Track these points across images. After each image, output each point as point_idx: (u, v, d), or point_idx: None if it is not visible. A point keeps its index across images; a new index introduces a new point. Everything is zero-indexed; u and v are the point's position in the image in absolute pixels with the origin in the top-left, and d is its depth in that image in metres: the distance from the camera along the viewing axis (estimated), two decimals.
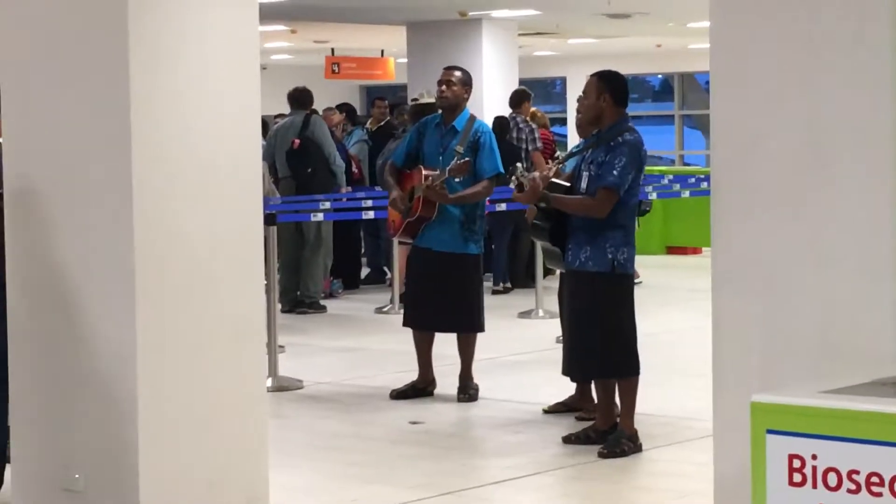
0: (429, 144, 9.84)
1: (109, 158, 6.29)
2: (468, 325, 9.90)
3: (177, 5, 6.35)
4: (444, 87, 9.92)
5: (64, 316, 6.47)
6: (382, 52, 26.48)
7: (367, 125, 18.35)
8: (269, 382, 9.20)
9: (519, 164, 8.98)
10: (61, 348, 6.47)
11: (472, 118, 9.94)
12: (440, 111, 10.05)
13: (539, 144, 16.02)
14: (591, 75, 8.56)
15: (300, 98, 15.14)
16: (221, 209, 6.52)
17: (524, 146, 16.02)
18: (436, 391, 10.07)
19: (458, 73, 10.03)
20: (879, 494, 3.40)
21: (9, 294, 6.67)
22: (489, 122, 13.46)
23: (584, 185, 8.29)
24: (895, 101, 3.99)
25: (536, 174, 8.82)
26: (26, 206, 6.59)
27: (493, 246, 15.85)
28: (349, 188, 15.83)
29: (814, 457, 3.48)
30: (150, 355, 6.28)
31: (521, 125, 16.45)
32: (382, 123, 17.37)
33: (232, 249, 6.58)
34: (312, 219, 14.01)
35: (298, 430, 9.18)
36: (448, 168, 9.43)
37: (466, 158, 9.50)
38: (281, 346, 11.15)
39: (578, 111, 9.06)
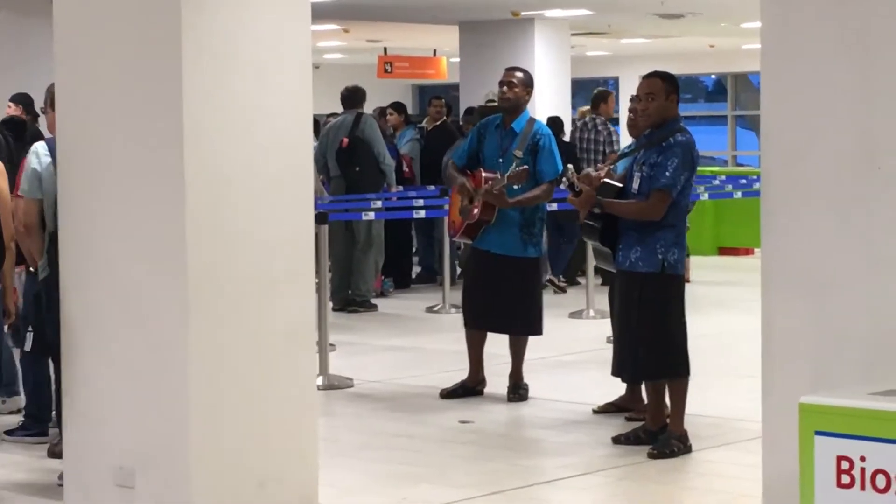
0: (489, 146, 9.81)
1: (161, 160, 6.33)
2: (524, 328, 9.89)
3: (228, 5, 6.38)
4: (505, 88, 9.89)
5: (118, 317, 6.51)
6: (435, 51, 26.52)
7: (423, 124, 18.32)
8: (319, 381, 9.25)
9: (570, 166, 8.97)
10: (115, 348, 6.52)
11: (532, 120, 9.91)
12: (502, 111, 10.02)
13: (618, 147, 15.90)
14: (651, 76, 8.48)
15: (352, 97, 15.17)
16: (272, 209, 6.55)
17: (602, 148, 16.00)
18: (486, 391, 10.07)
19: (519, 74, 9.99)
20: None
21: (63, 295, 6.73)
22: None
23: (636, 186, 8.27)
24: None
25: (591, 171, 8.80)
26: (80, 208, 6.65)
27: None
28: (400, 187, 15.85)
29: (862, 458, 3.48)
30: (202, 355, 6.32)
31: (599, 127, 16.44)
32: (438, 123, 17.36)
33: (283, 249, 6.60)
34: (364, 218, 14.05)
35: (348, 429, 9.21)
36: (507, 174, 9.40)
37: (525, 166, 9.46)
38: (332, 345, 11.18)
39: (632, 111, 9.03)
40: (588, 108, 17.39)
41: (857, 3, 4.16)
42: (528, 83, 9.96)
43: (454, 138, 16.21)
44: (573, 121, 17.18)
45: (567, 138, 17.11)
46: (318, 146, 14.19)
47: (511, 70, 10.10)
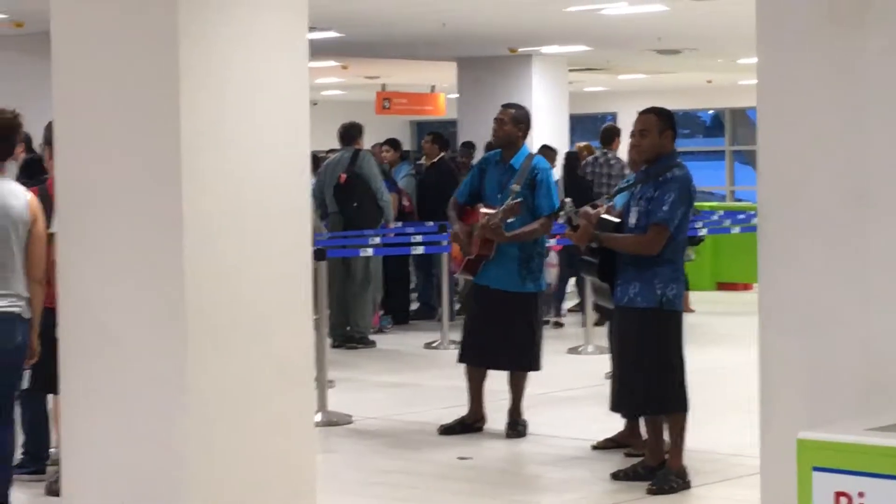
0: (489, 182, 9.84)
1: (159, 196, 6.34)
2: (523, 363, 9.89)
3: (225, 42, 6.40)
4: (495, 126, 9.94)
5: (116, 354, 6.51)
6: (433, 87, 26.59)
7: (422, 160, 18.34)
8: (318, 417, 9.23)
9: (568, 200, 8.98)
10: (113, 386, 6.52)
11: (531, 156, 9.92)
12: (498, 147, 10.05)
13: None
14: (647, 112, 8.50)
15: (348, 133, 15.19)
16: (270, 245, 6.55)
17: (614, 182, 16.04)
18: (485, 426, 10.08)
19: (511, 111, 10.00)
20: None
21: (61, 327, 6.73)
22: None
23: (633, 220, 8.28)
24: None
25: (588, 207, 8.80)
26: (78, 240, 6.66)
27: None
28: (399, 223, 15.88)
29: (860, 494, 3.47)
30: (200, 392, 6.32)
31: (612, 161, 16.46)
32: (436, 160, 17.39)
33: (281, 285, 6.61)
34: (362, 254, 14.06)
35: (347, 465, 9.20)
36: (501, 209, 9.44)
37: (518, 199, 9.48)
38: (330, 381, 11.17)
39: (632, 146, 9.04)
40: (585, 143, 17.43)
41: (852, 40, 4.18)
42: (520, 119, 9.95)
43: (451, 174, 16.22)
44: (578, 155, 17.13)
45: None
46: (316, 182, 14.19)
47: (504, 107, 10.14)
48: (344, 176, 14.69)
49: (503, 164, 9.82)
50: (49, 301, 7.27)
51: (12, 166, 7.89)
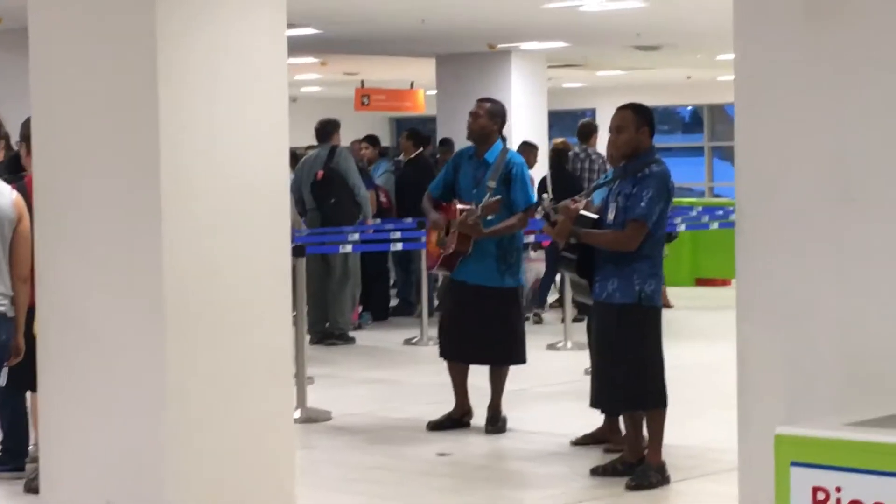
0: (463, 177, 9.83)
1: (138, 191, 6.35)
2: (504, 358, 9.90)
3: (203, 39, 6.40)
4: (470, 119, 9.94)
5: (94, 352, 6.51)
6: (412, 84, 26.57)
7: (400, 157, 18.34)
8: (297, 414, 9.23)
9: (545, 195, 9.01)
10: (91, 382, 6.52)
11: (505, 150, 9.90)
12: (472, 142, 10.05)
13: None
14: (623, 108, 8.52)
15: (324, 130, 15.17)
16: (250, 242, 6.56)
17: (597, 177, 16.04)
18: (470, 422, 10.09)
19: (487, 105, 10.00)
20: None
21: (40, 325, 6.73)
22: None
23: (611, 216, 8.29)
24: None
25: (569, 203, 8.81)
26: (56, 237, 6.65)
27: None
28: (377, 220, 15.88)
29: (838, 489, 3.48)
30: (178, 389, 6.33)
31: (592, 157, 16.48)
32: (413, 156, 17.39)
33: (260, 281, 6.62)
34: (341, 250, 14.06)
35: (327, 462, 9.19)
36: (480, 206, 9.43)
37: (498, 196, 9.48)
38: (310, 378, 11.16)
39: (609, 143, 9.05)
40: (562, 139, 17.41)
41: (829, 35, 4.19)
42: (495, 113, 9.94)
43: (429, 170, 16.21)
44: (566, 151, 17.15)
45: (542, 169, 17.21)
46: (294, 179, 14.19)
47: (480, 101, 10.14)
48: (321, 172, 14.68)
49: (477, 158, 9.82)
50: (31, 298, 7.27)
51: None
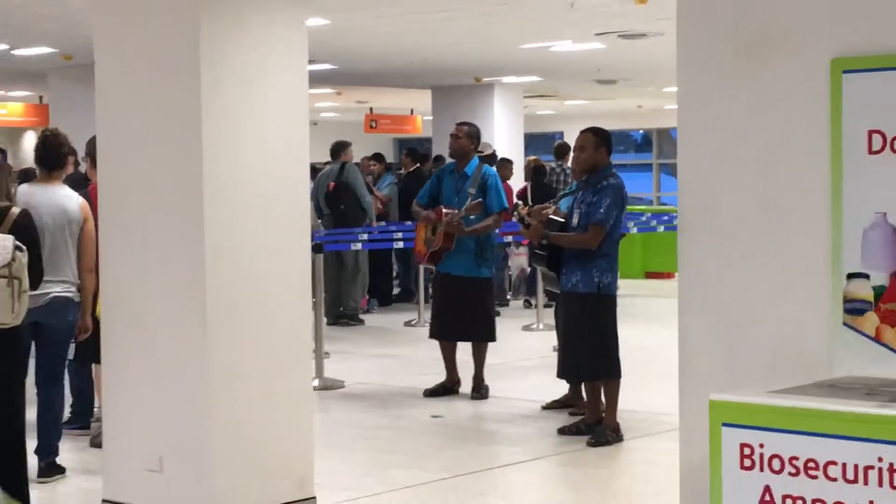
0: (446, 187, 9.90)
1: (185, 198, 6.33)
2: (481, 336, 9.93)
3: (239, 72, 6.38)
4: (451, 140, 10.02)
5: (149, 332, 6.50)
6: (412, 110, 26.53)
7: (401, 171, 18.38)
8: (315, 383, 9.23)
9: (519, 202, 9.04)
10: (145, 352, 6.51)
11: (481, 164, 10.02)
12: (453, 159, 10.11)
13: None
14: (585, 131, 8.55)
15: (337, 150, 15.38)
16: (276, 241, 6.55)
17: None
18: (459, 390, 10.11)
19: (464, 128, 10.08)
20: (815, 477, 3.41)
21: (103, 308, 6.72)
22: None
23: (576, 221, 8.32)
24: (827, 161, 4.00)
25: (540, 209, 8.84)
26: (116, 236, 6.64)
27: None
28: (382, 222, 16.03)
29: (761, 445, 3.48)
30: (218, 362, 6.32)
31: (567, 171, 16.47)
32: (412, 170, 17.43)
33: (284, 273, 6.61)
34: (352, 248, 14.13)
35: (339, 423, 9.20)
36: (465, 207, 9.49)
37: (479, 199, 9.55)
38: (326, 353, 11.17)
39: (573, 160, 9.07)
40: (535, 157, 17.41)
41: (754, 71, 4.18)
42: (472, 135, 10.05)
43: (424, 182, 16.27)
44: (543, 168, 17.09)
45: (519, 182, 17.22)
46: (312, 189, 14.24)
47: (458, 125, 10.26)
48: (332, 184, 14.87)
49: (458, 172, 9.89)
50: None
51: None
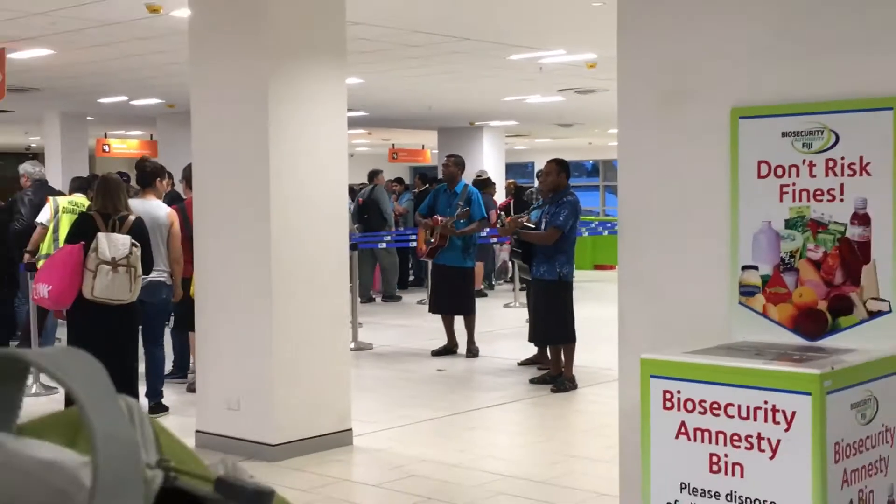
0: (440, 202, 10.07)
1: (256, 209, 6.35)
2: (467, 310, 9.99)
3: (297, 118, 6.40)
4: (444, 168, 10.25)
5: (230, 304, 6.51)
6: (423, 146, 26.58)
7: (415, 190, 18.47)
8: (351, 345, 9.22)
9: (502, 212, 9.13)
10: (227, 321, 6.52)
11: (466, 185, 10.28)
12: (445, 181, 10.36)
13: None
14: (550, 161, 8.60)
15: (371, 175, 15.65)
16: (323, 239, 6.57)
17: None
18: (457, 351, 10.13)
19: (452, 159, 10.45)
20: (717, 415, 3.41)
21: (198, 289, 6.74)
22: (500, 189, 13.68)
23: (542, 227, 8.34)
24: (727, 183, 4.00)
25: (516, 218, 8.95)
26: (207, 236, 6.64)
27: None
28: (401, 228, 16.16)
29: (678, 392, 3.49)
30: (281, 328, 6.33)
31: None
32: (423, 189, 17.47)
33: (330, 265, 6.62)
34: (379, 247, 14.18)
35: (369, 376, 9.20)
36: (457, 214, 9.68)
37: (466, 208, 9.75)
38: (360, 323, 11.18)
39: (541, 182, 9.11)
40: (512, 180, 17.50)
41: (673, 116, 4.19)
42: (458, 163, 10.39)
43: None
44: (519, 188, 17.06)
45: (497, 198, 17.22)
46: (351, 203, 14.38)
47: (448, 156, 10.59)
48: (361, 200, 15.19)
49: (449, 191, 10.04)
50: (187, 272, 7.31)
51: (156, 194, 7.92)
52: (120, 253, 6.19)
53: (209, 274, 6.64)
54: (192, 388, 7.68)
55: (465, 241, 9.89)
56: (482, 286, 15.93)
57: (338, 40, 6.60)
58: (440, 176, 10.59)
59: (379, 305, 14.76)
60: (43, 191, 9.55)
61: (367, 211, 15.11)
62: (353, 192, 14.62)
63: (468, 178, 13.56)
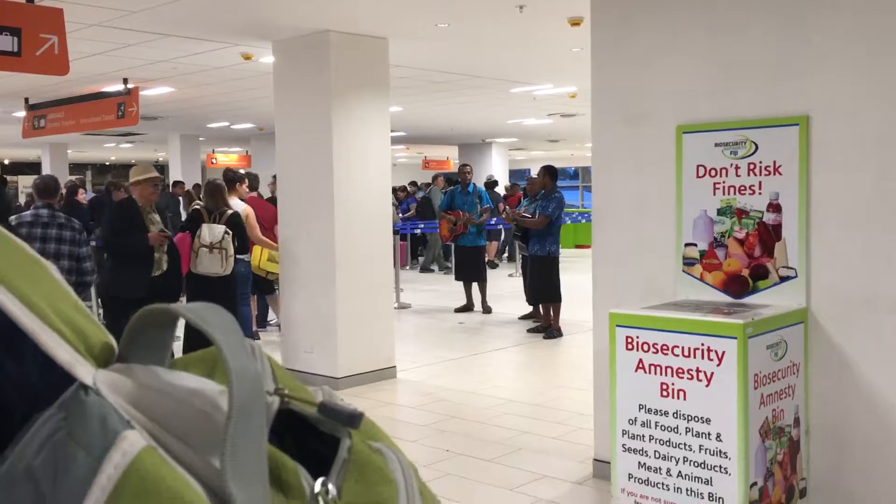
0: (458, 199, 10.02)
1: (324, 204, 6.35)
2: (480, 278, 9.95)
3: (353, 137, 6.39)
4: (462, 175, 10.24)
5: (305, 276, 6.52)
6: (448, 157, 26.51)
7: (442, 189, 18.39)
8: (395, 304, 9.23)
9: (507, 207, 9.06)
10: (305, 290, 6.52)
11: (475, 185, 10.20)
12: (459, 183, 10.25)
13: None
14: (541, 168, 8.55)
15: (434, 178, 15.83)
16: (373, 227, 6.56)
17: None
18: (474, 309, 10.11)
19: (467, 168, 10.40)
20: (666, 354, 3.40)
21: (281, 266, 6.73)
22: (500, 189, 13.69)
23: (536, 216, 8.30)
24: (674, 181, 3.97)
25: (518, 209, 8.90)
26: (289, 226, 6.65)
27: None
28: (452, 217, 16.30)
29: (637, 337, 3.48)
30: (342, 293, 6.31)
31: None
32: (450, 189, 17.35)
33: (379, 246, 6.61)
34: (412, 231, 14.08)
35: (408, 326, 9.21)
36: (480, 210, 9.66)
37: (488, 206, 9.79)
38: (401, 288, 11.17)
39: (530, 184, 9.05)
40: (514, 183, 17.43)
41: (635, 133, 4.17)
42: (470, 171, 10.34)
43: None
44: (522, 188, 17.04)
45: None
46: (408, 200, 14.59)
47: (464, 165, 10.56)
48: (419, 198, 15.37)
49: (463, 191, 9.99)
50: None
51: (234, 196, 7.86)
52: (216, 238, 6.20)
53: (291, 254, 6.65)
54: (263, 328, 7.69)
55: (478, 227, 9.89)
56: (494, 259, 15.91)
57: (383, 79, 6.57)
58: (459, 180, 10.53)
59: (422, 276, 14.71)
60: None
61: (426, 205, 15.10)
62: (394, 192, 14.50)
63: (478, 181, 13.96)
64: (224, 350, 0.37)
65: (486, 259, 10.76)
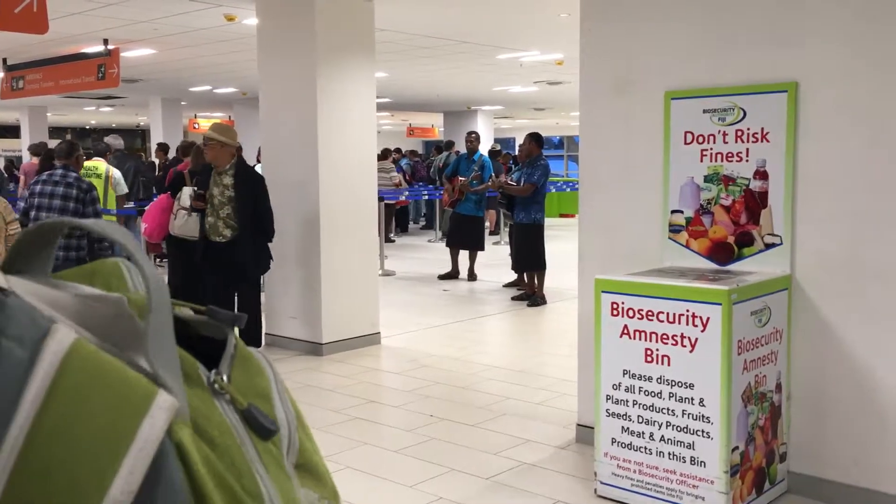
0: (462, 167, 9.93)
1: (308, 168, 6.30)
2: (475, 246, 9.91)
3: (339, 102, 6.33)
4: (468, 142, 10.10)
5: (289, 242, 6.48)
6: (433, 125, 26.37)
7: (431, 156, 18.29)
8: (379, 271, 9.22)
9: (493, 175, 9.01)
10: (289, 257, 6.48)
11: (482, 155, 10.06)
12: (467, 152, 10.12)
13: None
14: (528, 136, 8.51)
15: (447, 145, 15.49)
16: (357, 192, 6.52)
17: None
18: (459, 276, 10.11)
19: (474, 135, 10.19)
20: (651, 320, 3.42)
21: (278, 238, 6.70)
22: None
23: (521, 184, 8.28)
24: (661, 148, 3.97)
25: (504, 177, 8.86)
26: (278, 194, 6.60)
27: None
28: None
29: (623, 303, 3.49)
30: (327, 260, 6.28)
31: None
32: (438, 156, 17.29)
33: (363, 210, 6.58)
34: (400, 198, 14.02)
35: (392, 294, 9.21)
36: (471, 176, 9.60)
37: (478, 172, 9.72)
38: (386, 255, 11.15)
39: (519, 151, 9.02)
40: (499, 147, 17.26)
41: (624, 102, 4.15)
42: (478, 139, 10.21)
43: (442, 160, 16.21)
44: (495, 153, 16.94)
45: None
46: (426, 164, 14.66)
47: (470, 133, 10.37)
48: (441, 164, 14.81)
49: (469, 159, 9.89)
50: None
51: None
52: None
53: (276, 220, 6.60)
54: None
55: (477, 197, 9.81)
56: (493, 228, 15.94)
57: (368, 43, 6.50)
58: (464, 149, 10.40)
59: (408, 242, 14.70)
60: (125, 159, 9.42)
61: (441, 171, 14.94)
62: (378, 158, 14.32)
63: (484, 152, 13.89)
64: (136, 255, 0.40)
65: (488, 230, 10.70)
